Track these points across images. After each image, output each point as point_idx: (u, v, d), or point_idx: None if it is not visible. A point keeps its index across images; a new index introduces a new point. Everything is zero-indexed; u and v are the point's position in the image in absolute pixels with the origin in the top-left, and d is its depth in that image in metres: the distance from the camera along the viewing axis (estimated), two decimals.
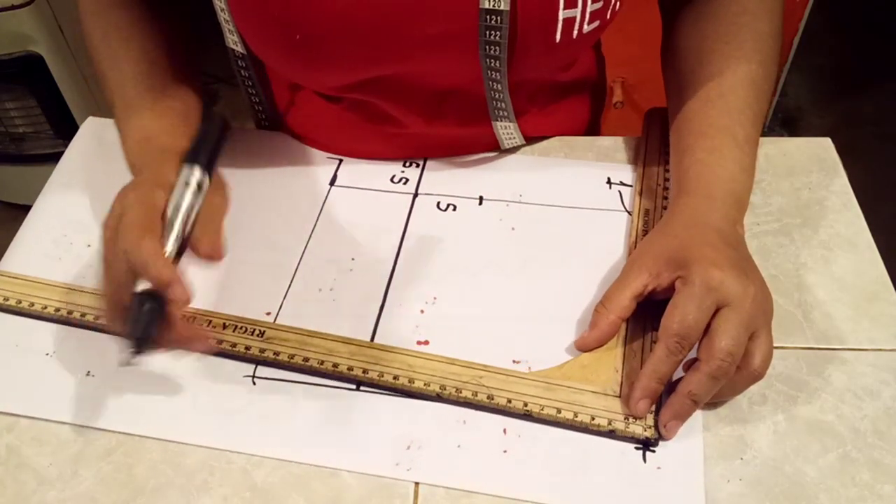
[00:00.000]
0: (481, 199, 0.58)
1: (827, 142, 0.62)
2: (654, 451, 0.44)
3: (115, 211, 0.45)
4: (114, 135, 0.65)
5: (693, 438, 0.44)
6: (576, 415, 0.45)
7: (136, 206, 0.45)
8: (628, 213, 0.57)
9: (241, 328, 0.50)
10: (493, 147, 0.62)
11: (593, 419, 0.44)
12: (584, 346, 0.48)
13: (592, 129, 0.72)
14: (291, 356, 0.48)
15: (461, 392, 0.46)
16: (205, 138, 0.49)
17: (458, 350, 0.48)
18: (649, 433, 0.44)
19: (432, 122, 0.59)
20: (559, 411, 0.45)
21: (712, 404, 0.46)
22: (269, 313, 0.51)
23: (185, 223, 0.45)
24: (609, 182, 0.59)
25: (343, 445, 0.45)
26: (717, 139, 0.51)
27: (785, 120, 1.79)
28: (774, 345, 0.44)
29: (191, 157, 0.47)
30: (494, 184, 0.59)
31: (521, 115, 0.61)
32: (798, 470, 0.43)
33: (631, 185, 0.58)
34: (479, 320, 0.50)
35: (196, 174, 0.46)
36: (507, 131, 0.59)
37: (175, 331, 0.43)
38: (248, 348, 0.49)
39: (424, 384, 0.46)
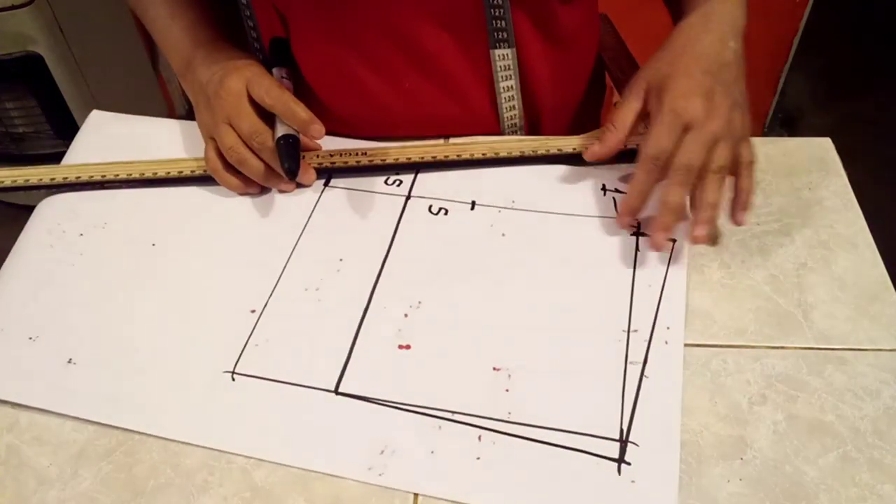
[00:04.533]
0: (474, 203, 0.58)
1: (827, 142, 0.62)
2: (629, 465, 0.43)
3: (232, 80, 0.55)
4: (118, 128, 0.66)
5: (669, 454, 0.43)
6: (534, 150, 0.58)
7: (264, 74, 0.57)
8: None
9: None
10: (492, 128, 0.63)
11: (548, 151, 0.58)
12: (593, 157, 0.56)
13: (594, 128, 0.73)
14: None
15: (436, 157, 0.58)
16: (281, 47, 0.62)
17: (439, 355, 0.48)
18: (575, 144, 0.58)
19: (428, 61, 0.60)
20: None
21: (714, 402, 0.46)
22: (253, 311, 0.51)
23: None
24: (604, 189, 0.58)
25: (316, 448, 0.45)
26: None
27: (785, 120, 1.79)
28: (775, 345, 0.45)
29: (277, 63, 0.61)
30: (488, 189, 0.59)
31: (535, 120, 0.62)
32: (798, 470, 0.43)
33: (625, 192, 0.58)
34: (462, 326, 0.50)
35: (284, 73, 0.61)
36: (504, 70, 0.60)
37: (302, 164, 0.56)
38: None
39: (407, 158, 0.58)
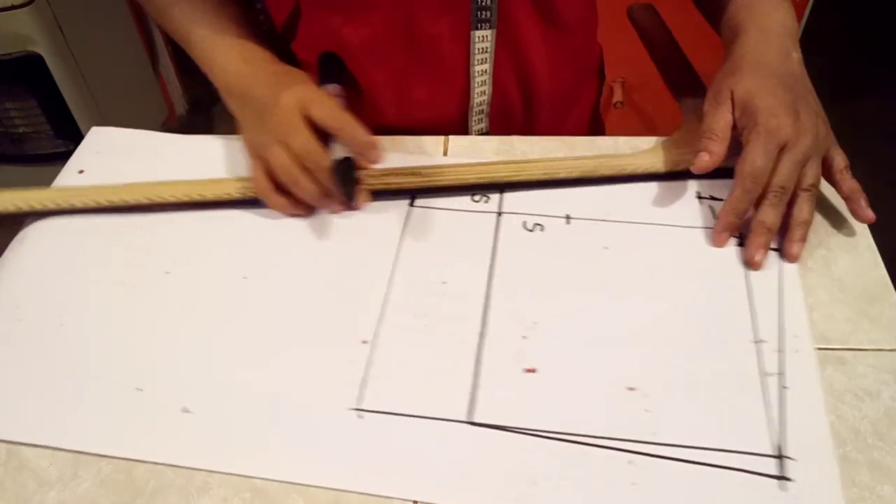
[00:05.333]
0: (568, 217, 0.56)
1: None
2: (792, 481, 0.41)
3: (286, 97, 0.53)
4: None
5: (828, 467, 0.42)
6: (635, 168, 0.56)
7: (321, 94, 0.55)
8: None
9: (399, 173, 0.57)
10: (460, 112, 0.64)
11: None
12: (701, 170, 0.53)
13: (596, 126, 0.73)
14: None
15: (518, 175, 0.56)
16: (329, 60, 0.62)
17: (569, 377, 0.46)
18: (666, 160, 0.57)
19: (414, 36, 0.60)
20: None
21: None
22: (365, 342, 0.49)
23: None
24: (699, 196, 0.57)
25: (458, 482, 0.42)
26: None
27: None
28: None
29: (327, 79, 0.59)
30: (579, 201, 0.57)
31: (530, 105, 0.61)
32: None
33: (722, 199, 0.56)
34: (584, 345, 0.48)
35: (337, 90, 0.59)
36: (481, 53, 0.60)
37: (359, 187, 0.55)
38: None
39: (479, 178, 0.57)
